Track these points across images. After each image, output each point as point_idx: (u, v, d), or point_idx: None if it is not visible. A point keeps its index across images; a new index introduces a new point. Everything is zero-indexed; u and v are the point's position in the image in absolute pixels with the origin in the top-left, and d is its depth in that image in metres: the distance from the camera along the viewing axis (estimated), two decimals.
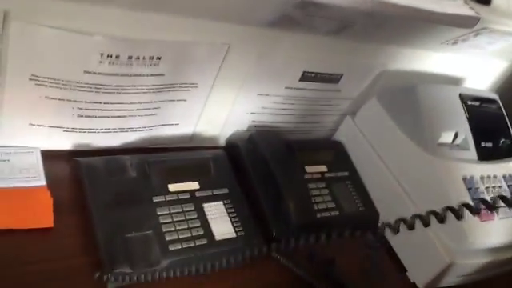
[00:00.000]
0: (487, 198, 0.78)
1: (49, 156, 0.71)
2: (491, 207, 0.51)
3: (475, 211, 0.51)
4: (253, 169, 0.80)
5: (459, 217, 0.50)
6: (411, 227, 0.50)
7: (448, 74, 0.98)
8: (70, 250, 0.62)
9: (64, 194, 0.67)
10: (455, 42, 0.84)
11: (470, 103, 0.87)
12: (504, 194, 0.51)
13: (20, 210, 0.63)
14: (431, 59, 0.92)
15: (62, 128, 0.71)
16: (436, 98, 0.85)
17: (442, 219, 0.50)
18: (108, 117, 0.72)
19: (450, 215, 0.50)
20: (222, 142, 0.88)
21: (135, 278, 0.60)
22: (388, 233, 0.53)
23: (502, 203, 0.51)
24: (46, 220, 0.63)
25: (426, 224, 0.50)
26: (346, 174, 0.90)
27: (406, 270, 0.82)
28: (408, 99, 0.85)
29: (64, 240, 0.63)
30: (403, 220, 0.51)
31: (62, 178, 0.70)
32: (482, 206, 0.51)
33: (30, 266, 0.58)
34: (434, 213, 0.50)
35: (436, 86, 0.88)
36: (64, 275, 0.59)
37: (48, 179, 0.68)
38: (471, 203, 0.74)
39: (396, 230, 0.51)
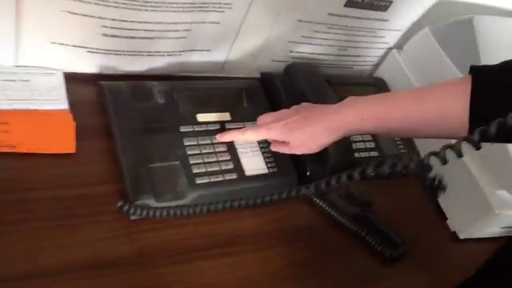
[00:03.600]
0: None
1: (72, 79, 0.67)
2: None
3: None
4: (288, 102, 0.75)
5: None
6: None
7: (508, 8, 0.90)
8: (92, 177, 0.60)
9: (87, 119, 0.65)
10: None
11: None
12: None
13: (41, 133, 0.61)
14: None
15: (85, 48, 0.67)
16: (495, 31, 0.80)
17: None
18: (134, 37, 0.67)
19: None
20: (256, 73, 0.84)
21: (152, 214, 0.56)
22: None
23: None
24: (68, 145, 0.61)
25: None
26: None
27: (446, 218, 0.78)
28: (464, 32, 0.80)
29: (86, 166, 0.60)
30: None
31: (86, 103, 0.67)
32: None
33: (50, 192, 0.56)
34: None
35: (495, 18, 0.83)
36: (84, 203, 0.57)
37: (71, 103, 0.65)
38: None
39: (444, 160, 0.45)
